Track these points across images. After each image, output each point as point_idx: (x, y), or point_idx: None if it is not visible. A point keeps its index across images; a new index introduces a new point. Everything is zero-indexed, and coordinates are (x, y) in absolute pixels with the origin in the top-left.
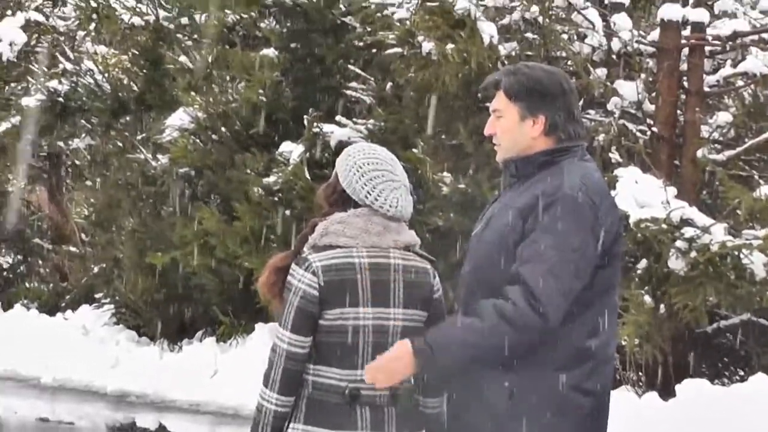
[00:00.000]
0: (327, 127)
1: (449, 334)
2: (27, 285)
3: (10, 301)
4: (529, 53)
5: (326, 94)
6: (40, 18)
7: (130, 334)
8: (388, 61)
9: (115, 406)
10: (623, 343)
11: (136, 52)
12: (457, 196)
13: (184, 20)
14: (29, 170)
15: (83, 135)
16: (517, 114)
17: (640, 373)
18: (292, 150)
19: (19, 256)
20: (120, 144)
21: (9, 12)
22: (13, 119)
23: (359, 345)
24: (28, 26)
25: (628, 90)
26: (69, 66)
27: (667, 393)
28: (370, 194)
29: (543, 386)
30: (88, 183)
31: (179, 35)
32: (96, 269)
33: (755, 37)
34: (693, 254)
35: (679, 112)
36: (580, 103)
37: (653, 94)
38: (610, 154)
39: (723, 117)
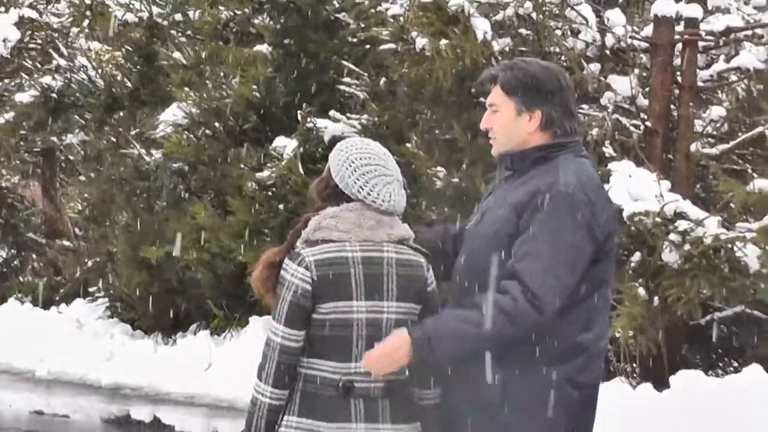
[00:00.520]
0: (321, 122)
1: (447, 325)
2: (21, 279)
3: (4, 295)
4: (523, 49)
5: (320, 90)
6: (34, 14)
7: (124, 327)
8: (382, 57)
9: (109, 399)
10: (617, 335)
11: (130, 49)
12: (450, 190)
13: (178, 16)
14: (23, 165)
15: (77, 130)
16: (514, 108)
17: (635, 365)
18: (285, 145)
19: (12, 251)
20: (113, 139)
21: (2, 8)
22: (7, 115)
23: (353, 338)
24: (21, 23)
25: (622, 85)
26: (62, 62)
27: (661, 384)
28: (363, 189)
29: (536, 379)
30: (82, 178)
31: (173, 31)
32: (90, 263)
33: (748, 32)
34: (687, 247)
35: (672, 106)
36: None
37: (647, 89)
38: (604, 149)
39: (716, 111)
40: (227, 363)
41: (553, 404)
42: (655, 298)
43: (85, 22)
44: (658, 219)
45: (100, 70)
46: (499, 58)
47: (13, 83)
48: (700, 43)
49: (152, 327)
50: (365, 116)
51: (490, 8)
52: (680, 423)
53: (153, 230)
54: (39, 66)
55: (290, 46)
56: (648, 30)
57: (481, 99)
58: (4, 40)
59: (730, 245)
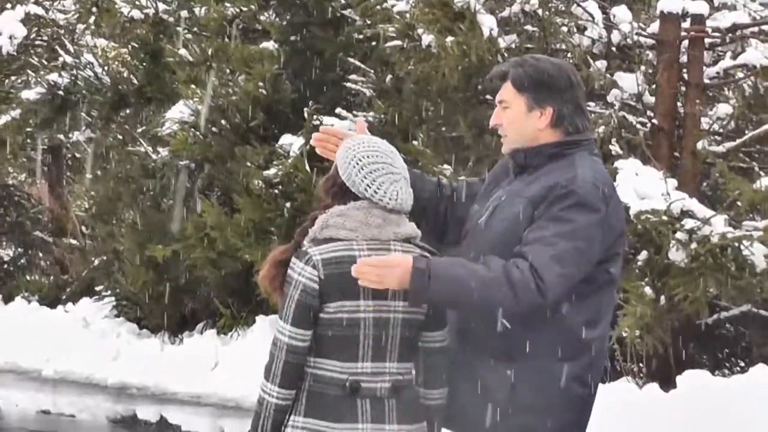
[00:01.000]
0: (327, 120)
1: (452, 268)
2: (27, 278)
3: (11, 294)
4: (529, 46)
5: (326, 87)
6: (40, 11)
7: (130, 326)
8: (388, 54)
9: (115, 398)
10: (624, 334)
11: (136, 45)
12: None
13: (184, 13)
14: (29, 163)
15: (83, 128)
16: (525, 105)
17: (641, 365)
18: (292, 142)
19: (19, 249)
20: (120, 137)
21: (9, 5)
22: (13, 112)
23: (360, 338)
24: (27, 19)
25: (628, 82)
26: (69, 59)
27: (667, 384)
28: (370, 187)
29: (545, 377)
30: (89, 176)
31: (179, 28)
32: (96, 262)
33: (755, 29)
34: (693, 246)
35: (679, 104)
36: None
37: (653, 86)
38: (611, 146)
39: (723, 109)
40: (234, 362)
41: (563, 403)
42: (662, 297)
43: (92, 19)
44: (664, 217)
45: (106, 67)
46: (506, 55)
47: (19, 80)
48: (707, 40)
49: (159, 326)
50: (371, 113)
51: (496, 5)
52: (687, 423)
53: (160, 228)
54: (45, 63)
55: (296, 43)
56: (654, 27)
57: (488, 96)
58: (10, 37)
59: (737, 244)
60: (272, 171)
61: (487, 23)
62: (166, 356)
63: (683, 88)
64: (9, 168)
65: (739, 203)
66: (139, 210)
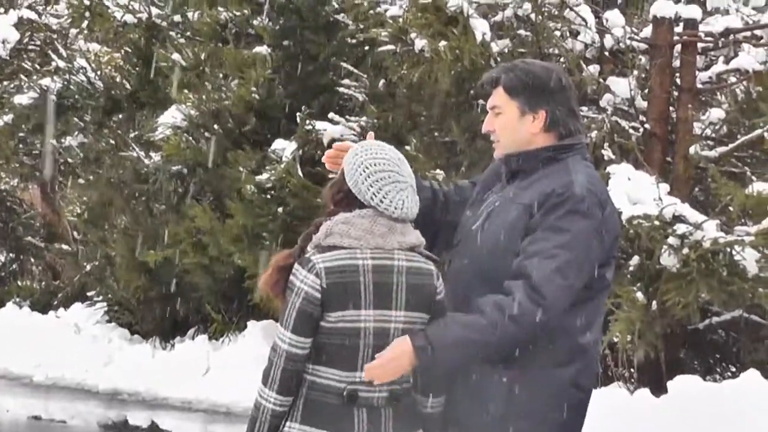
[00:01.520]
0: (320, 125)
1: (450, 331)
2: (19, 283)
3: (2, 300)
4: (522, 50)
5: (319, 92)
6: (33, 16)
7: (122, 332)
8: (381, 59)
9: (107, 404)
10: (615, 339)
11: (129, 50)
12: None
13: (177, 18)
14: (21, 168)
15: (76, 133)
16: (517, 110)
17: (632, 370)
18: (284, 147)
19: (11, 254)
20: (113, 142)
21: (1, 10)
22: (6, 117)
23: (360, 347)
24: (20, 24)
25: (621, 87)
26: (62, 64)
27: (658, 389)
28: (376, 195)
29: (542, 383)
30: (81, 181)
31: (172, 33)
32: (88, 267)
33: (747, 33)
34: (685, 251)
35: (671, 108)
36: None
37: (646, 91)
38: (603, 151)
39: (715, 113)
40: (225, 368)
41: (561, 408)
42: (654, 303)
43: (84, 24)
44: (656, 222)
45: (99, 72)
46: (498, 59)
47: (12, 85)
48: (700, 45)
49: (150, 331)
50: (364, 118)
51: (489, 9)
52: (678, 428)
53: (152, 234)
54: (38, 68)
55: (289, 48)
56: (647, 31)
57: (480, 101)
58: (3, 42)
59: (728, 249)
60: (265, 176)
61: (480, 28)
62: (157, 362)
63: (676, 93)
64: (1, 173)
65: (731, 208)
66: (131, 215)
